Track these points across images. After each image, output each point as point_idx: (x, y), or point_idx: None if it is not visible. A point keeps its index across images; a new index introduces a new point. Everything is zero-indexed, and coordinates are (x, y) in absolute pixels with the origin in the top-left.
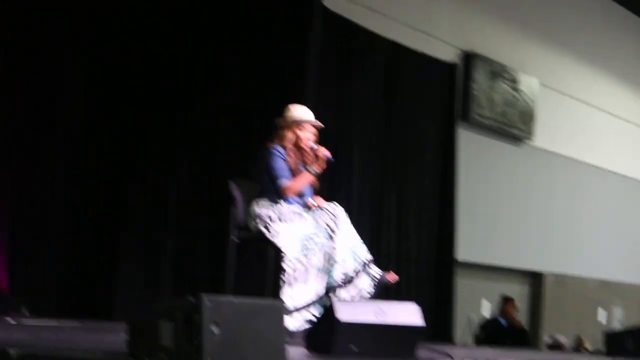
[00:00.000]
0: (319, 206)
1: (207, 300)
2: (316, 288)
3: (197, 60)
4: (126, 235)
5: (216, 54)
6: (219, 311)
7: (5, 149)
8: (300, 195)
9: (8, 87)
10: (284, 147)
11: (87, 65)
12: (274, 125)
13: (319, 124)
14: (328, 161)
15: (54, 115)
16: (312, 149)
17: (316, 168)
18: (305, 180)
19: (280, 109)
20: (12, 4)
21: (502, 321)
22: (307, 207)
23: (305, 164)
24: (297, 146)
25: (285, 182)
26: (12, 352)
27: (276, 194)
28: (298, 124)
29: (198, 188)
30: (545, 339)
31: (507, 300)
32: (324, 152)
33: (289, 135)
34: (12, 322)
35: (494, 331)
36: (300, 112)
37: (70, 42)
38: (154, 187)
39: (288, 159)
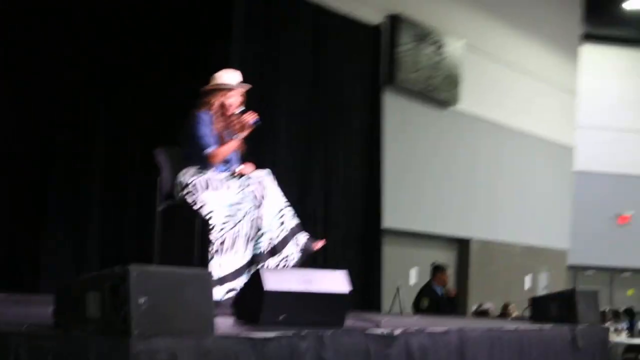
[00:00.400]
0: (240, 172)
1: (134, 271)
2: (243, 257)
3: (127, 23)
4: (52, 206)
5: (143, 18)
6: (146, 281)
7: None
8: (227, 161)
9: None
10: (210, 114)
11: None
12: (200, 92)
13: (245, 86)
14: (254, 124)
15: None
16: (238, 114)
17: (242, 133)
18: (231, 147)
19: (206, 74)
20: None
21: (438, 289)
22: (235, 174)
23: (231, 130)
24: (223, 113)
25: (211, 149)
26: None
27: (202, 162)
28: (223, 90)
29: (125, 156)
30: (473, 306)
31: (440, 269)
32: (250, 118)
33: (215, 102)
34: None
35: (432, 299)
36: (225, 77)
37: None
38: (80, 156)
39: (214, 126)
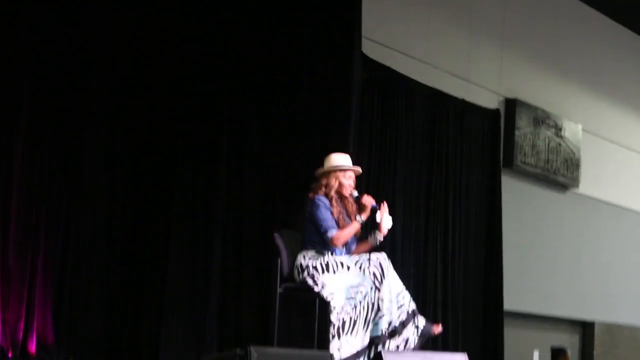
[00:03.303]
0: (365, 202)
1: (255, 352)
2: (362, 339)
3: (240, 109)
4: (171, 288)
5: (259, 103)
6: None
7: (46, 202)
8: (345, 245)
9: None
10: (328, 197)
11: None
12: (315, 175)
13: (357, 169)
14: (372, 209)
15: (98, 169)
16: (354, 197)
17: (363, 217)
18: (352, 230)
19: (321, 158)
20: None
21: None
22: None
23: (348, 213)
24: (340, 195)
25: (333, 232)
26: None
27: (321, 245)
28: (341, 172)
29: (242, 239)
30: None
31: (560, 351)
32: (370, 201)
33: (331, 183)
34: None
35: None
36: (338, 159)
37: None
38: (198, 239)
39: (332, 209)
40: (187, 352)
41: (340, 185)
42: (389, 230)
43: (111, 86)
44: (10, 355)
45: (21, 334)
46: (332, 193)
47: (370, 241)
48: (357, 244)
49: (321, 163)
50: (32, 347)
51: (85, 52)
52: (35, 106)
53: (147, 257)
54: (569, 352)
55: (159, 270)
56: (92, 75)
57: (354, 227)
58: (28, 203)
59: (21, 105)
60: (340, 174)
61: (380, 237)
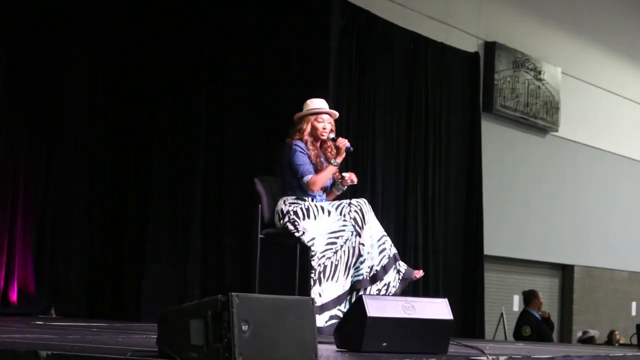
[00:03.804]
0: (350, 180)
1: (236, 298)
2: (344, 284)
3: (219, 58)
4: (152, 236)
5: (237, 50)
6: (249, 308)
7: (26, 151)
8: (325, 189)
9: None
10: (304, 141)
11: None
12: (292, 120)
13: (334, 112)
14: (347, 150)
15: (81, 116)
16: (331, 139)
17: (338, 159)
18: (328, 174)
19: (301, 104)
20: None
21: (536, 314)
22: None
23: (326, 157)
24: (316, 138)
25: (309, 177)
26: (43, 353)
27: (301, 190)
28: (314, 115)
29: (222, 186)
30: (578, 333)
31: (533, 293)
32: (344, 142)
33: (307, 127)
34: (41, 323)
35: (533, 325)
36: (315, 104)
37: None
38: (179, 186)
39: (309, 152)
40: (169, 299)
41: (314, 128)
42: (371, 176)
43: (91, 29)
44: None
45: (2, 283)
46: (306, 137)
47: (335, 191)
48: (329, 191)
49: (300, 109)
50: (14, 296)
51: None
52: (14, 49)
53: (128, 205)
54: (540, 295)
55: (140, 218)
56: (72, 20)
57: (329, 170)
58: (7, 149)
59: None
60: (312, 117)
61: (342, 187)
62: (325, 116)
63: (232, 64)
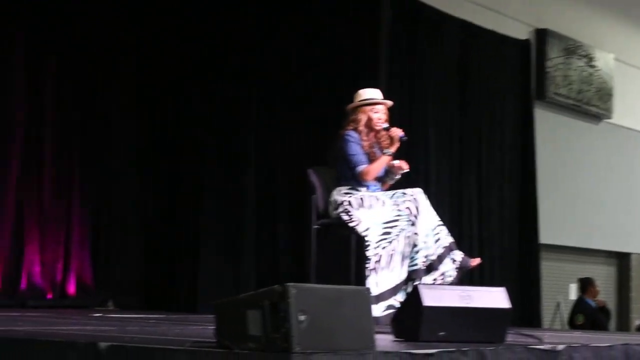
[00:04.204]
0: (400, 167)
1: (293, 288)
2: (399, 274)
3: (269, 47)
4: (207, 228)
5: (287, 42)
6: (305, 299)
7: (80, 145)
8: (379, 179)
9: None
10: (358, 132)
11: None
12: (345, 111)
13: (387, 102)
14: (401, 140)
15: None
16: (384, 129)
17: (391, 149)
18: (382, 163)
19: (353, 94)
20: None
21: (591, 302)
22: (394, 169)
23: (380, 147)
24: (370, 128)
25: (363, 167)
26: (102, 345)
27: (355, 180)
28: (369, 106)
29: (275, 177)
30: (635, 321)
31: (589, 281)
32: (397, 132)
33: (362, 118)
34: (99, 315)
35: (587, 314)
36: (368, 93)
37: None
38: (232, 178)
39: (362, 143)
40: (225, 291)
41: (369, 119)
42: (425, 165)
43: (140, 17)
44: (50, 296)
45: (60, 276)
46: (361, 127)
47: (388, 181)
48: (383, 181)
49: (352, 99)
50: (72, 289)
51: None
52: (65, 48)
53: (181, 197)
54: (596, 283)
55: (194, 210)
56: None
57: (383, 160)
58: (62, 145)
59: (52, 50)
60: (367, 108)
61: (395, 175)
62: (380, 106)
63: (283, 54)
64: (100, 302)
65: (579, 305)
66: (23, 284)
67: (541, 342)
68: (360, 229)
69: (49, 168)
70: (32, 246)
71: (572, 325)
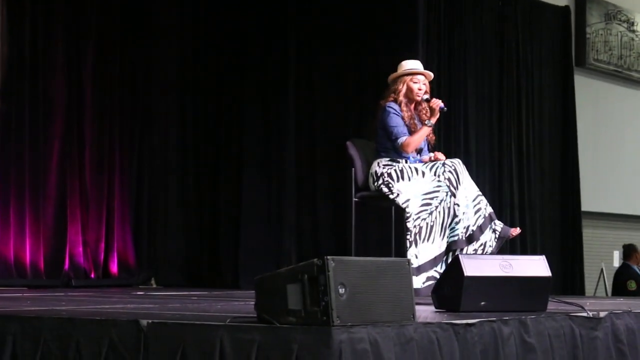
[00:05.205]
0: (436, 158)
1: (332, 261)
2: (439, 245)
3: (306, 19)
4: (246, 203)
5: (325, 11)
6: (345, 271)
7: (120, 123)
8: (419, 151)
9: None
10: (398, 103)
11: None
12: (382, 83)
13: (428, 73)
14: (441, 111)
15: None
16: (425, 100)
17: (432, 120)
18: (423, 135)
19: (392, 66)
20: None
21: (636, 268)
22: (430, 160)
23: (420, 118)
24: (409, 99)
25: (404, 138)
26: (144, 322)
27: (395, 152)
28: (409, 76)
29: (314, 150)
30: None
31: (634, 247)
32: (438, 103)
33: (402, 88)
34: (142, 293)
35: (637, 279)
36: (410, 64)
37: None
38: (271, 153)
39: (403, 114)
40: (266, 266)
41: (409, 89)
42: (465, 135)
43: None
44: (93, 276)
45: (102, 255)
46: (401, 98)
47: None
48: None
49: (389, 71)
50: (114, 268)
51: None
52: (103, 31)
53: (220, 174)
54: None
55: (234, 186)
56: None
57: (424, 131)
58: (102, 125)
59: (90, 33)
60: (407, 78)
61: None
62: (421, 77)
63: (320, 26)
64: (143, 281)
65: (627, 272)
66: (66, 265)
67: (583, 309)
68: (400, 200)
69: (90, 148)
70: (75, 227)
71: (621, 292)
